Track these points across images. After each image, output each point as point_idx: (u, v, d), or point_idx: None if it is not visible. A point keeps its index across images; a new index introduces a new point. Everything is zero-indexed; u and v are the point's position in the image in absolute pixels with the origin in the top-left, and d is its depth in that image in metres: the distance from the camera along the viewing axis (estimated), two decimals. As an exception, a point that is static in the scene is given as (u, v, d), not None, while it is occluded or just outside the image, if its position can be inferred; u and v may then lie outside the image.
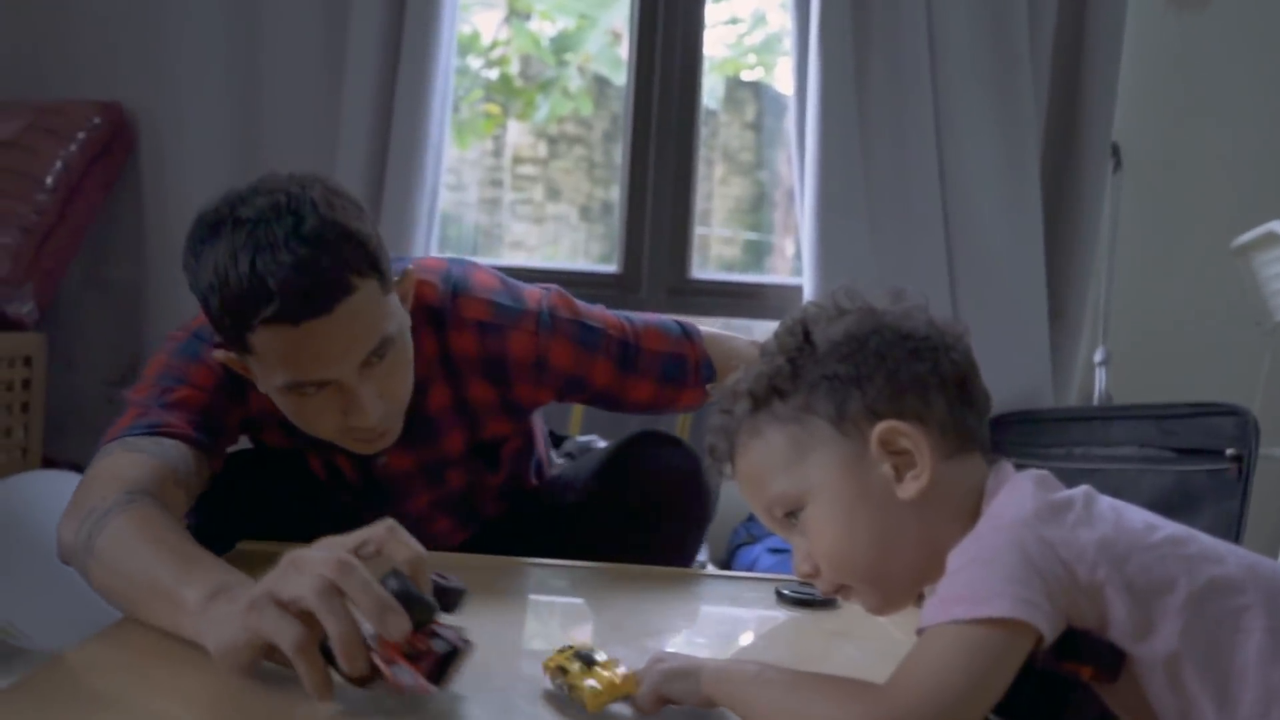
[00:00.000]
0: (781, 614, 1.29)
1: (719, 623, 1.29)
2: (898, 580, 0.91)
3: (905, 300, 0.94)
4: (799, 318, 0.94)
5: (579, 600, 1.35)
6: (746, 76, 3.53)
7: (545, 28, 3.45)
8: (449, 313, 1.42)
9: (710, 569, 2.30)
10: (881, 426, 0.87)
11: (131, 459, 1.22)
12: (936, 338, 0.91)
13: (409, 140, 2.52)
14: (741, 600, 1.35)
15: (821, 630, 1.22)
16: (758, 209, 3.39)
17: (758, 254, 3.34)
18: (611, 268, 2.86)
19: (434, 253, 2.59)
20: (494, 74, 3.50)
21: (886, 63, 2.52)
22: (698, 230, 2.84)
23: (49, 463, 2.41)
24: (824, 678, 0.85)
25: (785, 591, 1.32)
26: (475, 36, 3.42)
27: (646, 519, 1.50)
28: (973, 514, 0.87)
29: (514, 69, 3.50)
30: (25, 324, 2.38)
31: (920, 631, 0.81)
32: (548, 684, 0.96)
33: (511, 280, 1.49)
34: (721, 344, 1.55)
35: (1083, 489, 0.88)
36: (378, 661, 0.86)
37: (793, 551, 0.94)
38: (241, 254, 1.15)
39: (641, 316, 1.53)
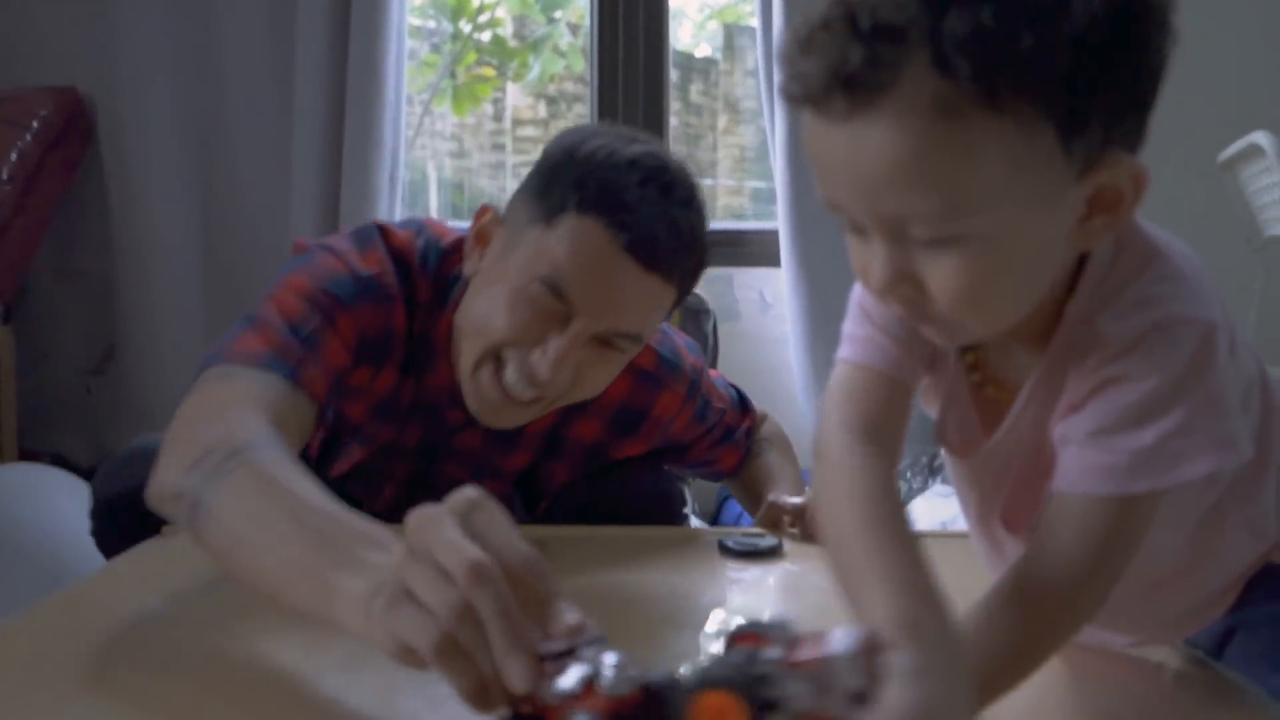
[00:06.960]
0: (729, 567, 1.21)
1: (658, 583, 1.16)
2: (994, 328, 0.73)
3: None
4: None
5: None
6: (745, 23, 3.44)
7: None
8: None
9: (694, 521, 2.23)
10: (1136, 170, 0.65)
11: (262, 398, 1.01)
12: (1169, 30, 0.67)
13: (364, 104, 2.46)
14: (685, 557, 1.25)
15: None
16: (764, 157, 3.30)
17: (766, 201, 3.25)
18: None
19: (398, 216, 2.54)
20: (486, 36, 3.45)
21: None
22: (705, 181, 2.75)
23: (28, 455, 2.42)
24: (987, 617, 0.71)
25: (729, 544, 1.24)
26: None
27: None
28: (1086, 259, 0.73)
29: (507, 30, 3.45)
30: (-12, 319, 2.38)
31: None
32: None
33: (671, 328, 1.43)
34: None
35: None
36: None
37: (878, 258, 0.67)
38: (623, 148, 1.17)
39: (721, 381, 1.51)
